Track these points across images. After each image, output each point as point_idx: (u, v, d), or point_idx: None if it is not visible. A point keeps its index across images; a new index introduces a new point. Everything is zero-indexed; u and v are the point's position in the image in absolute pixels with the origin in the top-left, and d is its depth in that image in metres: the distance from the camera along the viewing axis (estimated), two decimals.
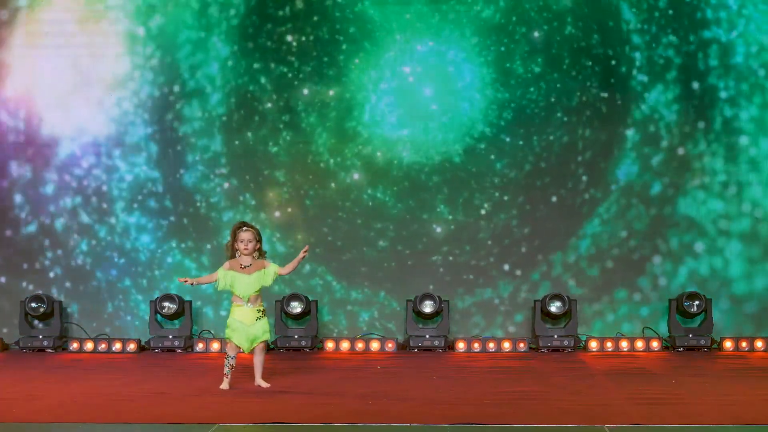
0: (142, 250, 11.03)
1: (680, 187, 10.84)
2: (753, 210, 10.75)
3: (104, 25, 11.10)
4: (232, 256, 7.92)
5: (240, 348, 7.90)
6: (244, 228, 7.89)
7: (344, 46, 11.00)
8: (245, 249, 7.84)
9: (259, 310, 7.90)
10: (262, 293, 7.99)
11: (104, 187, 11.08)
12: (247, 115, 11.07)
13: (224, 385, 7.89)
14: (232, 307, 7.96)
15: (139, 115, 11.10)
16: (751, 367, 9.17)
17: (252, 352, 7.99)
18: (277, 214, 11.05)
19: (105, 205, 11.08)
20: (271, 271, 7.94)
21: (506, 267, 10.93)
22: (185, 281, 7.96)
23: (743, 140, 10.76)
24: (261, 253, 7.96)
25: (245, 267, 7.86)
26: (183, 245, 11.03)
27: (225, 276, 7.88)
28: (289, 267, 8.04)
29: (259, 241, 7.92)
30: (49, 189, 11.10)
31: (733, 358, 9.86)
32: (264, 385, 7.97)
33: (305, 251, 7.93)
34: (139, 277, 11.03)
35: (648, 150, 10.85)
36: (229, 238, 7.96)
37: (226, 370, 7.91)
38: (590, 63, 10.92)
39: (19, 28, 11.14)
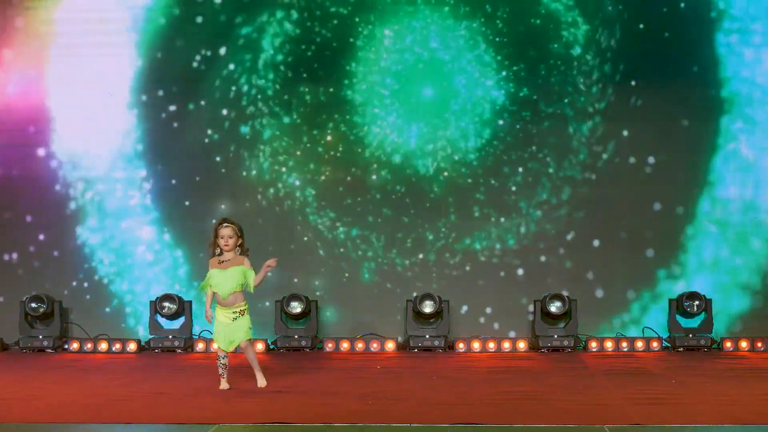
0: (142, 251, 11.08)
1: (680, 185, 10.87)
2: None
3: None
4: (213, 254, 7.87)
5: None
6: (225, 224, 7.82)
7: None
8: (225, 245, 7.78)
9: (234, 312, 7.83)
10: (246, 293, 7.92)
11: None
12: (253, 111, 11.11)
13: (223, 384, 7.90)
14: (215, 308, 7.93)
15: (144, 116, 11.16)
16: (751, 367, 9.17)
17: (239, 350, 7.97)
18: (276, 209, 11.08)
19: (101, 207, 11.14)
20: (251, 275, 7.84)
21: (506, 266, 10.93)
22: (208, 317, 7.93)
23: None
24: (243, 249, 7.87)
25: (222, 262, 7.80)
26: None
27: (208, 277, 7.84)
28: (257, 279, 7.90)
29: (240, 236, 7.83)
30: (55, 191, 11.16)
31: (733, 358, 9.86)
32: (260, 383, 7.95)
33: (270, 264, 7.84)
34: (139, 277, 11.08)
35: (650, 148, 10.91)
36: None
37: (220, 371, 7.92)
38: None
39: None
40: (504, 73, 10.91)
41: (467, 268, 10.93)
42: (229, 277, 7.77)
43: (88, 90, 11.13)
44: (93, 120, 11.14)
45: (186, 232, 11.05)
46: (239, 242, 7.83)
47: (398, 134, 10.98)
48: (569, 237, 10.90)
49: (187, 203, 11.10)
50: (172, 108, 11.13)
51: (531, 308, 10.70)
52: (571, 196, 10.91)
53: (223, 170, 11.08)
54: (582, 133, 10.88)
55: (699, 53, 10.84)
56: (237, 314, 7.84)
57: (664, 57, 10.82)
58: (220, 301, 7.83)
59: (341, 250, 11.03)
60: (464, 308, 10.91)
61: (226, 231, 7.78)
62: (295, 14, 11.02)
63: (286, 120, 11.06)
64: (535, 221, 10.93)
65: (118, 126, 11.13)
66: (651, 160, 10.86)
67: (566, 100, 10.87)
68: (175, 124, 11.13)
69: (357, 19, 10.99)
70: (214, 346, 7.99)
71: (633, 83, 10.88)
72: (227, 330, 7.84)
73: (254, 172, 11.07)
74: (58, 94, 11.18)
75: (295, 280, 10.94)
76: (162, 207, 11.11)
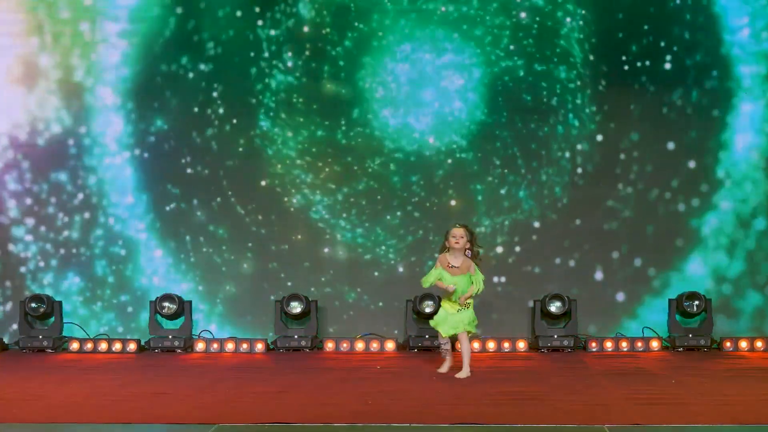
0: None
1: (679, 187, 10.87)
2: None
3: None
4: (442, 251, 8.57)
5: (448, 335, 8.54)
6: (458, 224, 8.57)
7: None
8: (456, 243, 8.41)
9: (460, 305, 8.46)
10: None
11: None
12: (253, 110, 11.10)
13: (443, 368, 8.67)
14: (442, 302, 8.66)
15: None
16: (751, 367, 9.17)
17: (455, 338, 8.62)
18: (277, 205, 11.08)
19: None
20: (479, 279, 8.50)
21: (506, 266, 10.92)
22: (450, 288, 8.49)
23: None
24: (474, 254, 8.52)
25: (452, 267, 8.43)
26: None
27: (436, 275, 8.48)
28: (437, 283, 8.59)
29: (470, 240, 8.46)
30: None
31: (733, 358, 9.86)
32: (462, 375, 8.38)
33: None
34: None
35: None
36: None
37: (443, 354, 8.70)
38: None
39: None
40: None
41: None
42: (459, 282, 8.43)
43: None
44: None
45: (183, 231, 11.07)
46: (468, 245, 8.46)
47: (396, 135, 10.98)
48: (569, 236, 10.90)
49: (182, 204, 11.08)
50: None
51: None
52: (571, 195, 10.90)
53: (222, 165, 11.10)
54: (573, 133, 10.90)
55: None
56: (462, 307, 8.46)
57: None
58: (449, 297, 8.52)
59: (342, 249, 11.02)
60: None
61: (458, 231, 8.47)
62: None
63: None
64: (536, 220, 10.91)
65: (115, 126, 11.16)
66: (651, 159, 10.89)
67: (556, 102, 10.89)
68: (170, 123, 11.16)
69: None
70: (438, 335, 8.63)
71: None
72: (451, 319, 8.46)
73: (254, 169, 11.07)
74: None
75: (289, 283, 10.97)
76: (159, 205, 11.10)
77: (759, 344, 10.25)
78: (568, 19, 10.83)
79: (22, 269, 11.04)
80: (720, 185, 10.77)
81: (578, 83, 10.86)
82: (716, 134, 10.79)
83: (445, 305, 8.59)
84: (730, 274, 10.75)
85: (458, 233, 8.45)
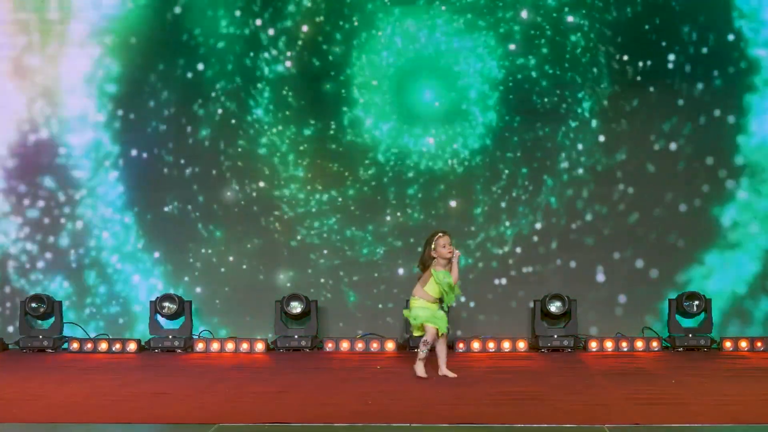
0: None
1: (676, 187, 10.88)
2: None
3: None
4: (429, 262, 8.29)
5: (438, 332, 8.26)
6: (441, 233, 8.28)
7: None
8: (449, 253, 8.22)
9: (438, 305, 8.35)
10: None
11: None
12: (244, 111, 11.10)
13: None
14: (413, 301, 8.37)
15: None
16: (751, 367, 9.17)
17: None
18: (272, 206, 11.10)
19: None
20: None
21: (506, 266, 10.93)
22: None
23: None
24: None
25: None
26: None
27: (445, 272, 8.25)
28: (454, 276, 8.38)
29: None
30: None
31: (733, 358, 9.86)
32: (450, 375, 8.29)
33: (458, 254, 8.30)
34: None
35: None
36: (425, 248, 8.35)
37: (424, 355, 8.28)
38: None
39: None
40: None
41: (467, 266, 10.93)
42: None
43: None
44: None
45: (181, 232, 11.08)
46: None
47: (394, 132, 10.98)
48: (570, 236, 10.90)
49: (179, 204, 11.09)
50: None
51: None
52: (570, 195, 10.91)
53: (222, 166, 11.09)
54: (577, 133, 10.90)
55: None
56: (439, 306, 8.34)
57: None
58: (433, 300, 8.29)
59: (340, 250, 11.03)
60: (464, 307, 10.91)
61: (447, 239, 8.25)
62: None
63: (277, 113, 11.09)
64: (536, 220, 10.92)
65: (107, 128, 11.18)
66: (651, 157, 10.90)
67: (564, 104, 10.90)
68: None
69: None
70: (428, 333, 8.27)
71: None
72: (432, 315, 8.25)
73: (253, 169, 11.07)
74: None
75: (288, 284, 10.98)
76: (157, 206, 11.11)
77: (759, 344, 10.26)
78: (570, 18, 10.85)
79: (12, 265, 11.13)
80: (727, 183, 10.78)
81: (585, 88, 10.89)
82: (727, 132, 10.81)
83: (424, 303, 8.30)
84: (740, 276, 10.77)
85: (448, 241, 8.25)
